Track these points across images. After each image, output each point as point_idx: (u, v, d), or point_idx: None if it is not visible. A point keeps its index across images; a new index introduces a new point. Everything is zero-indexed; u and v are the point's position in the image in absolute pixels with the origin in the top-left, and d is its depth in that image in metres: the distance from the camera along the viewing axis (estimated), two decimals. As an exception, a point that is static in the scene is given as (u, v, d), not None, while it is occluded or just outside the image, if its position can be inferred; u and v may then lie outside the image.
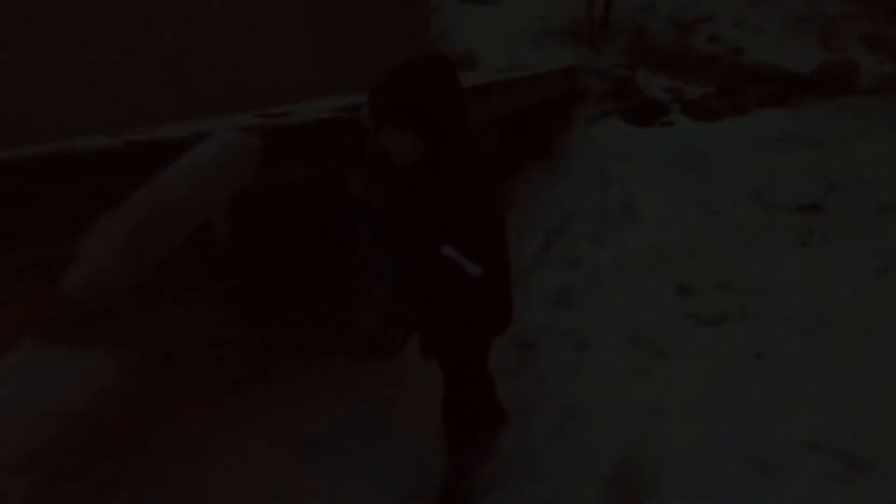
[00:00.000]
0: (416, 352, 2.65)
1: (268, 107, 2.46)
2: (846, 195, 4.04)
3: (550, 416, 2.20)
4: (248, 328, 2.88)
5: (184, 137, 1.48)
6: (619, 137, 5.68)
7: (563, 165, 5.16)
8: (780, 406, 2.14)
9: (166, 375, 2.79)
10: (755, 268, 3.17)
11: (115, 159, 1.30)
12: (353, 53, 4.06)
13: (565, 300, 3.08)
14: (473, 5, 8.99)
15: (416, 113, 1.40)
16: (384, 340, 2.80)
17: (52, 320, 1.03)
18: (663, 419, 2.12)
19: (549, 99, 5.24)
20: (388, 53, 3.56)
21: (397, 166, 1.50)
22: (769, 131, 5.51)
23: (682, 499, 1.77)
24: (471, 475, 1.85)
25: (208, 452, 2.14)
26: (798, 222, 3.74)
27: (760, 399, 2.18)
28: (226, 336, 2.90)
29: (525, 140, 5.20)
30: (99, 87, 2.73)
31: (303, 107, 2.39)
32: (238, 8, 3.35)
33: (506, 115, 4.25)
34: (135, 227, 1.12)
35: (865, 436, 1.96)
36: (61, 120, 2.13)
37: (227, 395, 2.48)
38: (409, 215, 1.52)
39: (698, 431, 2.03)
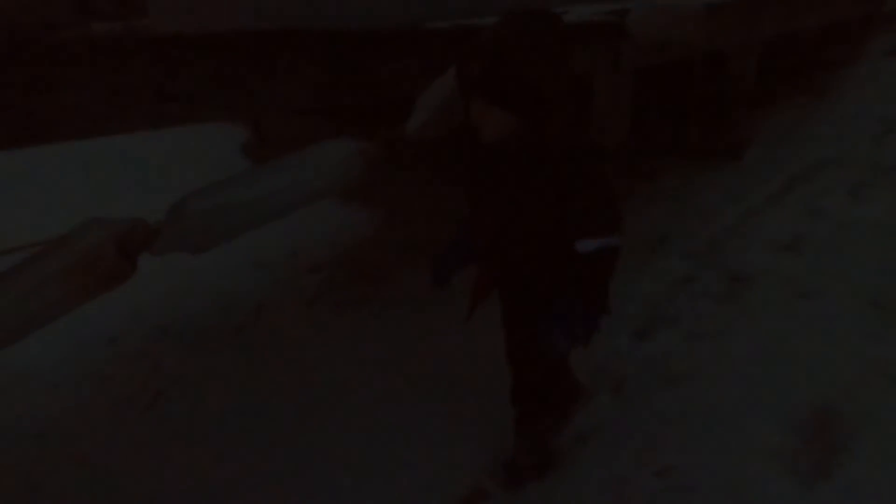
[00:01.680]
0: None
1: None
2: None
3: (749, 348, 2.18)
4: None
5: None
6: (922, 81, 4.55)
7: (831, 106, 4.39)
8: None
9: (403, 233, 3.43)
10: None
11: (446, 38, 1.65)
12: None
13: (796, 248, 2.84)
14: None
15: (514, 88, 1.17)
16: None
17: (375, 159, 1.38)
18: (888, 383, 1.95)
19: (834, 23, 4.40)
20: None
21: (487, 145, 1.30)
22: None
23: (880, 457, 1.68)
24: (539, 449, 1.75)
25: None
26: None
27: None
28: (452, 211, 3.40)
29: (790, 71, 4.52)
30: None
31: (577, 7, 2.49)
32: None
33: (770, 39, 3.75)
34: (453, 91, 1.45)
35: None
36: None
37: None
38: (498, 203, 1.38)
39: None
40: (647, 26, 2.26)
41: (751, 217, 3.15)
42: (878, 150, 3.68)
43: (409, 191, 3.82)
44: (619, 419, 1.91)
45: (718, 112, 3.73)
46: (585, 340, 1.42)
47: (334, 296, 2.91)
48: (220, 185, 1.23)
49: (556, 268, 1.38)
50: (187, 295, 2.98)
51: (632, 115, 2.85)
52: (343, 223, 3.77)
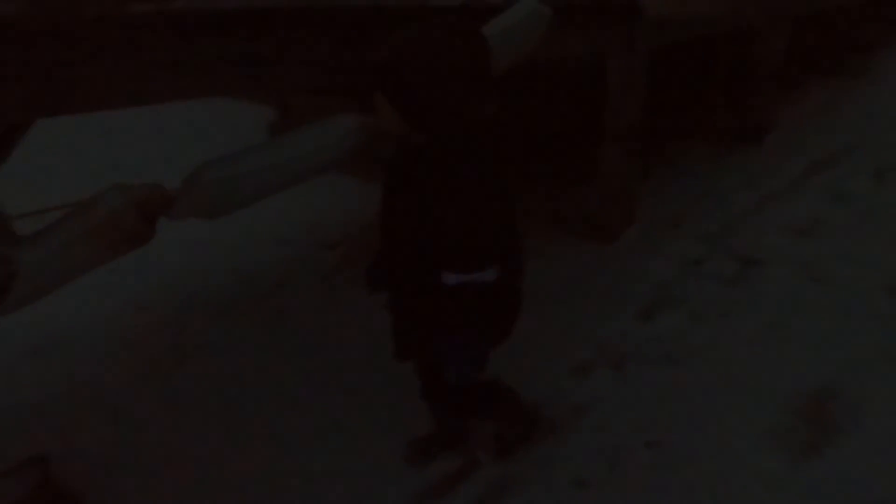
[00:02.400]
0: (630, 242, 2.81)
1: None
2: None
3: (752, 331, 2.19)
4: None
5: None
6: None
7: (863, 90, 4.24)
8: None
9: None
10: None
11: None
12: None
13: (813, 232, 2.80)
14: None
15: (404, 91, 1.11)
16: (600, 224, 2.97)
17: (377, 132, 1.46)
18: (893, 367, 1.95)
19: (870, 2, 4.22)
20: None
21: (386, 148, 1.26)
22: None
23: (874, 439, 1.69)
24: (517, 422, 1.76)
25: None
26: None
27: None
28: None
29: (821, 53, 4.37)
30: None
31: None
32: None
33: (801, 16, 3.63)
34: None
35: None
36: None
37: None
38: (388, 213, 1.31)
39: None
40: (661, 2, 2.24)
41: (769, 201, 3.11)
42: (910, 134, 3.56)
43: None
44: (618, 393, 1.97)
45: (742, 94, 3.65)
46: (469, 378, 1.41)
47: (350, 271, 3.03)
48: (234, 155, 1.31)
49: (427, 296, 1.26)
50: (213, 268, 3.13)
51: (650, 95, 2.83)
52: (360, 201, 3.88)
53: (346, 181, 4.22)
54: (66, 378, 2.45)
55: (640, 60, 2.56)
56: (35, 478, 1.74)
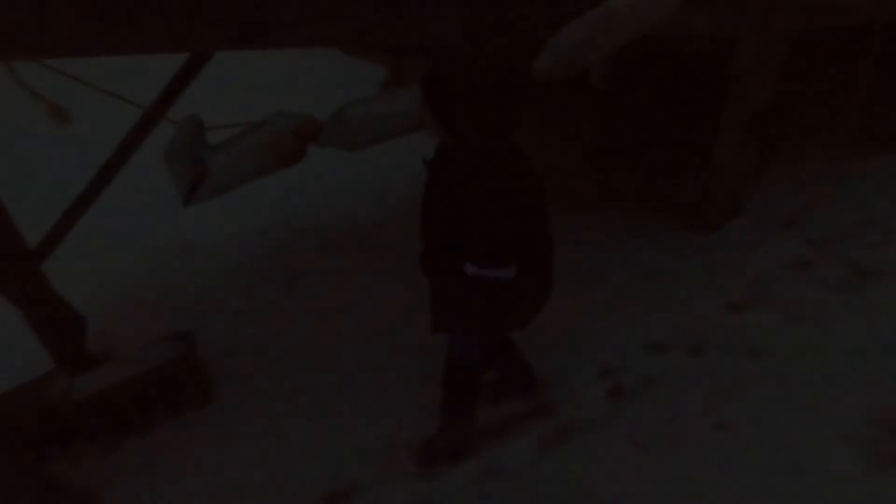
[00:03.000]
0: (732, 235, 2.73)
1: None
2: None
3: (852, 339, 2.08)
4: (591, 165, 3.39)
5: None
6: None
7: None
8: None
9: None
10: None
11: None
12: None
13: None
14: None
15: (440, 101, 1.29)
16: (701, 214, 2.90)
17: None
18: None
19: None
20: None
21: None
22: None
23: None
24: (454, 438, 1.77)
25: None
26: None
27: None
28: (570, 166, 3.49)
29: None
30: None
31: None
32: None
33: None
34: (587, 34, 1.57)
35: None
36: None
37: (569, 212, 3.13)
38: (427, 206, 1.45)
39: None
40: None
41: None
42: None
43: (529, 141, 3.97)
44: (693, 374, 1.99)
45: (891, 95, 3.29)
46: (474, 362, 1.53)
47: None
48: (368, 99, 1.52)
49: (452, 281, 1.40)
50: (323, 207, 3.48)
51: (780, 84, 2.67)
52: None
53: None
54: (198, 283, 2.90)
55: (776, 46, 2.42)
56: (184, 347, 2.13)
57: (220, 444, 2.00)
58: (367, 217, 3.37)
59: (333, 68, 4.92)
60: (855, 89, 3.41)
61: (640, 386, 1.94)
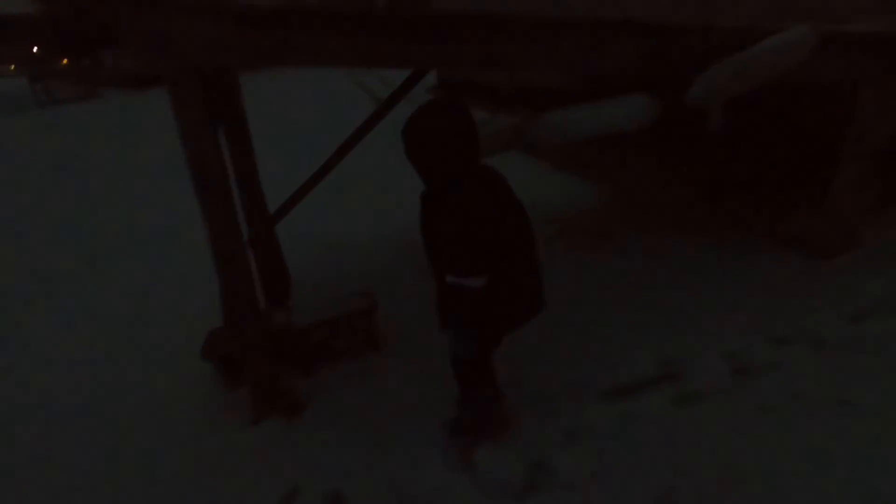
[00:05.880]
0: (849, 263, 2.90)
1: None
2: None
3: None
4: (711, 198, 3.69)
5: (767, 28, 2.20)
6: None
7: None
8: None
9: (628, 209, 3.97)
10: None
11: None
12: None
13: None
14: None
15: (409, 154, 1.63)
16: (820, 245, 3.08)
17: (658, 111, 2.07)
18: None
19: None
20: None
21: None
22: None
23: None
24: (470, 415, 2.06)
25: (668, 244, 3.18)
26: None
27: None
28: (677, 194, 3.82)
29: None
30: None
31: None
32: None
33: None
34: (729, 73, 2.01)
35: None
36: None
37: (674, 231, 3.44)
38: (426, 233, 1.78)
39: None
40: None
41: None
42: None
43: (638, 173, 4.35)
44: (814, 362, 2.21)
45: None
46: (471, 353, 1.84)
47: (565, 241, 3.64)
48: (564, 110, 2.04)
49: (443, 289, 1.76)
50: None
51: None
52: (579, 193, 4.48)
53: (565, 176, 4.88)
54: (347, 272, 3.49)
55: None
56: (366, 303, 2.67)
57: (388, 377, 2.47)
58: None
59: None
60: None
61: (764, 368, 2.19)
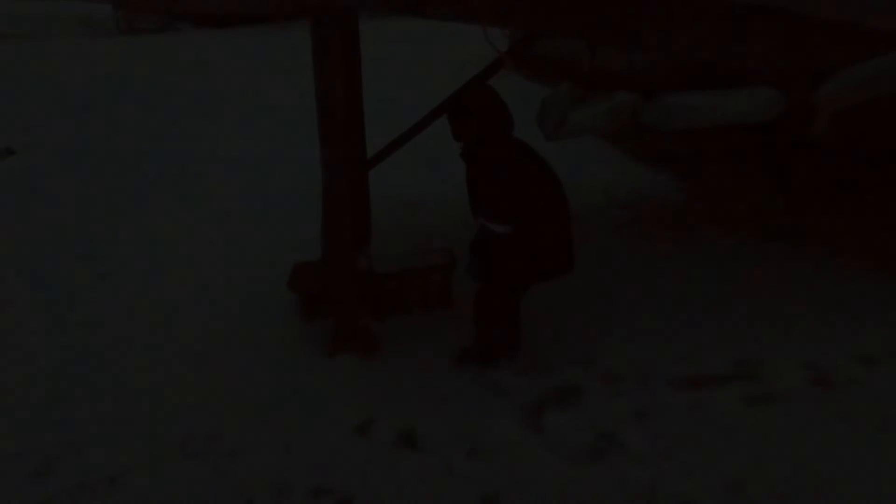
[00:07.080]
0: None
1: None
2: None
3: None
4: (786, 206, 3.58)
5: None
6: None
7: None
8: None
9: (707, 205, 3.90)
10: None
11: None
12: None
13: None
14: None
15: (457, 120, 2.02)
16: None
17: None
18: None
19: None
20: None
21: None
22: None
23: None
24: (480, 344, 2.33)
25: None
26: None
27: None
28: (763, 200, 3.72)
29: None
30: None
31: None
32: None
33: None
34: (871, 75, 1.93)
35: None
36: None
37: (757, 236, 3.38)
38: (469, 182, 2.14)
39: None
40: None
41: None
42: None
43: (722, 171, 4.24)
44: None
45: None
46: (481, 280, 2.15)
47: (637, 228, 3.62)
48: (684, 93, 2.01)
49: (477, 229, 2.12)
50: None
51: None
52: (656, 186, 4.41)
53: (644, 167, 4.79)
54: (423, 231, 3.57)
55: None
56: (446, 258, 2.75)
57: (458, 334, 2.55)
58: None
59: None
60: None
61: (846, 383, 2.16)
